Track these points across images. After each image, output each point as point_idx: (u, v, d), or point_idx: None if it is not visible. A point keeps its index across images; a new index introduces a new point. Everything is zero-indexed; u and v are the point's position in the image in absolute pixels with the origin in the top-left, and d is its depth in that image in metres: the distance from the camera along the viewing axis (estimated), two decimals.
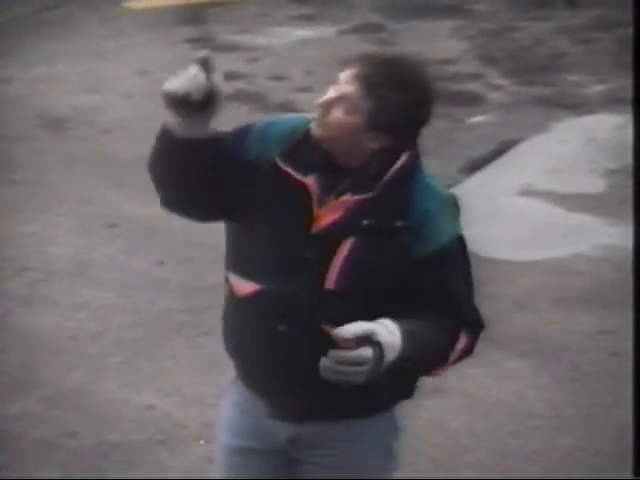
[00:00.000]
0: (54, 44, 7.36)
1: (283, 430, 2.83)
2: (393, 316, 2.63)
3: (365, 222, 2.66)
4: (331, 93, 2.65)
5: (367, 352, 2.50)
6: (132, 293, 5.20)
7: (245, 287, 2.74)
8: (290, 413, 2.81)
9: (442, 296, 2.68)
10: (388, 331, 2.53)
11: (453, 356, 2.69)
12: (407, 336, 2.57)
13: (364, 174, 2.66)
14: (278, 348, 2.73)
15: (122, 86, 6.85)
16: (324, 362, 2.52)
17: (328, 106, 2.64)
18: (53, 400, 4.71)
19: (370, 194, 2.65)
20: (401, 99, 2.65)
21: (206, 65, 2.60)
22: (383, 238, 2.67)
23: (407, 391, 2.82)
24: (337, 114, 2.60)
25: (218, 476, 3.05)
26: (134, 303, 4.96)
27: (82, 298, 5.32)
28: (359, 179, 2.65)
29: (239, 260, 2.76)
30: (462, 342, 2.69)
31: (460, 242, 2.71)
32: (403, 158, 2.67)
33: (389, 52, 3.71)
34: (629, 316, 4.75)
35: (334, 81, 2.72)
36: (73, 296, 5.33)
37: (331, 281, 2.65)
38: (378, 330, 2.52)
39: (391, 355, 2.52)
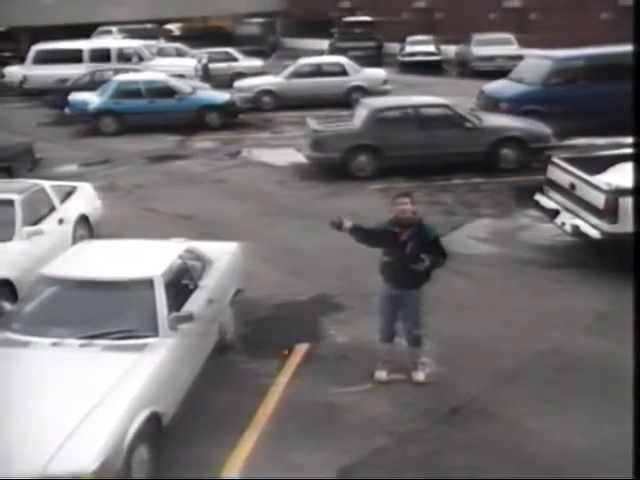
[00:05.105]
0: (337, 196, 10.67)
1: (398, 291, 5.28)
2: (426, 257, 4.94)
3: (416, 234, 5.10)
4: (404, 207, 5.00)
5: (426, 263, 5.00)
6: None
7: (386, 258, 5.19)
8: (399, 287, 5.24)
9: (438, 248, 5.18)
10: (427, 259, 4.95)
11: (440, 264, 5.11)
12: (430, 261, 5.05)
13: (410, 223, 5.03)
14: (398, 272, 5.08)
15: (357, 205, 10.24)
16: (419, 267, 4.72)
17: (406, 210, 5.08)
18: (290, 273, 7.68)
19: (414, 228, 5.07)
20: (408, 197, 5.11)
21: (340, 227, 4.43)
22: (420, 238, 5.07)
23: (427, 279, 5.22)
24: (409, 207, 5.10)
25: (379, 309, 5.47)
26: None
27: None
28: (408, 224, 5.01)
29: (384, 251, 5.16)
30: (443, 260, 5.24)
31: (438, 236, 5.10)
32: (419, 218, 4.94)
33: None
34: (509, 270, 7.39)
35: (398, 202, 5.03)
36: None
37: (408, 251, 5.05)
38: (426, 259, 4.94)
39: (428, 264, 5.03)
